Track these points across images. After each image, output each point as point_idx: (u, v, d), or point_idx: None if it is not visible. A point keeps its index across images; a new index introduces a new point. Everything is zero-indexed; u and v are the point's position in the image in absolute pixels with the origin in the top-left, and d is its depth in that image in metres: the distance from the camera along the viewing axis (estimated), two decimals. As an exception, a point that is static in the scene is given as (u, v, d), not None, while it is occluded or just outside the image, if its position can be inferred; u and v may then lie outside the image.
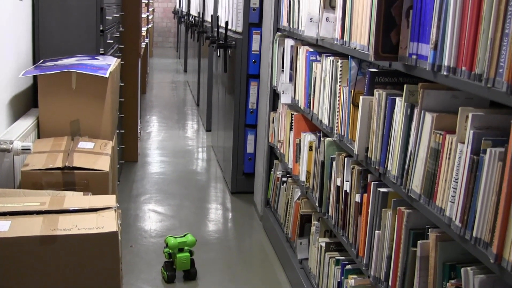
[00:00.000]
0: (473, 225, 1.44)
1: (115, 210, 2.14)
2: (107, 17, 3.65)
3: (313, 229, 2.92)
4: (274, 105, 3.87)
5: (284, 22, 3.49)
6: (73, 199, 2.24)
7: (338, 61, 2.45)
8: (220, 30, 4.88)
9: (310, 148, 2.94)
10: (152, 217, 4.18)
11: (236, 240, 3.90)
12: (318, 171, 2.76)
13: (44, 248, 1.90)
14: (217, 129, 5.71)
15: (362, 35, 2.18)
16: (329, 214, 2.62)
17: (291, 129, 3.28)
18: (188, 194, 4.72)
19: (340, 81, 2.44)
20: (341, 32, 2.42)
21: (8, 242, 1.88)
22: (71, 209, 2.10)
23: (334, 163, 2.54)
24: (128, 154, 5.36)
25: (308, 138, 2.97)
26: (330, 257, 2.64)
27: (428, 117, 1.69)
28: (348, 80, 2.32)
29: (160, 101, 8.94)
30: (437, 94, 1.73)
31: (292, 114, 3.26)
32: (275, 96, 3.85)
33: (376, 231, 2.07)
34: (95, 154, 2.76)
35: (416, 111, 1.77)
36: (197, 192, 4.78)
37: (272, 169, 3.91)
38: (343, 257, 2.59)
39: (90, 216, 2.07)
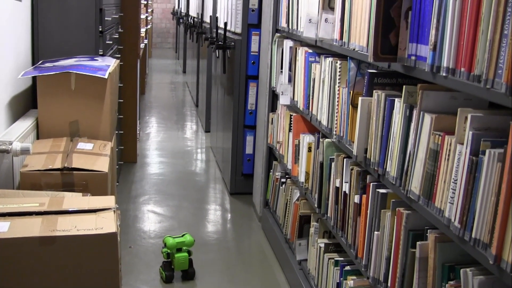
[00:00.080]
0: (472, 226, 1.44)
1: (114, 211, 2.14)
2: (106, 18, 3.65)
3: (312, 230, 2.92)
4: (273, 106, 3.88)
5: (283, 23, 3.50)
6: (72, 200, 2.24)
7: (337, 62, 2.45)
8: (219, 31, 4.88)
9: (309, 149, 2.94)
10: (151, 218, 4.18)
11: (235, 241, 3.90)
12: (317, 172, 2.76)
13: (43, 248, 1.90)
14: (216, 130, 5.71)
15: (361, 36, 2.18)
16: (328, 215, 2.62)
17: (290, 130, 3.28)
18: (187, 195, 4.72)
19: (339, 82, 2.44)
20: (340, 33, 2.42)
21: (7, 242, 1.88)
22: (70, 210, 2.10)
23: (333, 164, 2.55)
24: (127, 155, 5.36)
25: (307, 139, 2.97)
26: (329, 258, 2.64)
27: (427, 118, 1.69)
28: (347, 81, 2.33)
29: (159, 102, 8.94)
30: (436, 95, 1.73)
31: (291, 115, 3.26)
32: (274, 97, 3.85)
33: (375, 232, 2.07)
34: (94, 155, 2.76)
35: (415, 112, 1.77)
36: (196, 193, 4.78)
37: (271, 170, 3.91)
38: (342, 258, 2.59)
39: (89, 217, 2.07)
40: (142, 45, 7.39)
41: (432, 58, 1.61)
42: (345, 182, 2.39)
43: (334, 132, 2.50)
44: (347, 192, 2.38)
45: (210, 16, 5.95)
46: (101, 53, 3.57)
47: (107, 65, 3.19)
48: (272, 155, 3.94)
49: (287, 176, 3.53)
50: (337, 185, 2.49)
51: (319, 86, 2.71)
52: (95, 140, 2.97)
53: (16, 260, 1.89)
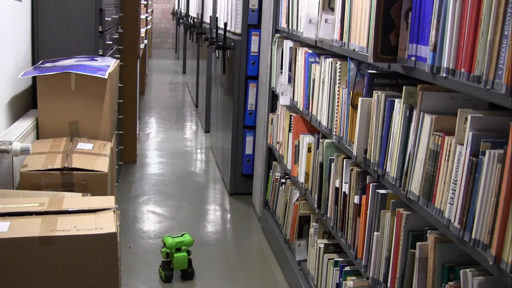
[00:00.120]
0: (472, 226, 1.45)
1: (114, 211, 2.14)
2: (106, 18, 3.65)
3: (311, 230, 2.92)
4: (273, 106, 3.88)
5: (283, 24, 3.50)
6: (72, 200, 2.23)
7: (337, 63, 2.45)
8: (219, 31, 4.89)
9: (309, 150, 2.94)
10: (151, 218, 4.18)
11: (235, 241, 3.90)
12: (317, 172, 2.76)
13: (43, 249, 1.90)
14: (215, 130, 5.71)
15: (361, 37, 2.18)
16: (328, 215, 2.62)
17: (290, 130, 3.28)
18: (187, 195, 4.72)
19: (339, 83, 2.44)
20: (340, 33, 2.42)
21: (7, 242, 1.88)
22: (70, 210, 2.10)
23: (333, 164, 2.55)
24: (127, 155, 5.36)
25: (307, 139, 2.97)
26: (329, 259, 2.64)
27: (427, 119, 1.69)
28: (347, 82, 2.33)
29: (158, 102, 8.94)
30: (436, 95, 1.73)
31: (291, 116, 3.26)
32: (274, 97, 3.85)
33: (375, 233, 2.07)
34: (94, 155, 2.76)
35: (415, 113, 1.77)
36: (196, 193, 4.78)
37: (271, 171, 3.91)
38: (341, 259, 2.59)
39: (89, 217, 2.07)
40: (142, 46, 7.39)
41: (432, 58, 1.62)
42: (345, 183, 2.39)
43: (334, 133, 2.50)
44: (346, 192, 2.38)
45: (210, 16, 5.95)
46: (101, 53, 3.57)
47: (107, 65, 3.19)
48: (271, 156, 3.94)
49: (286, 176, 3.53)
50: (337, 185, 2.49)
51: (319, 87, 2.71)
52: (95, 140, 2.97)
53: (16, 260, 1.89)
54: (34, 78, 3.34)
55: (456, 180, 1.52)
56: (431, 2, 1.63)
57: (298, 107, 3.13)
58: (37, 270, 1.92)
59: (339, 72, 2.43)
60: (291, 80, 3.28)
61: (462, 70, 1.47)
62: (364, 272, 2.20)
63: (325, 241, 2.79)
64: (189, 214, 4.31)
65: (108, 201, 2.23)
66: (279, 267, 3.47)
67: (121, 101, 4.74)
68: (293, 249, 3.22)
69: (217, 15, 5.48)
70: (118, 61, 3.74)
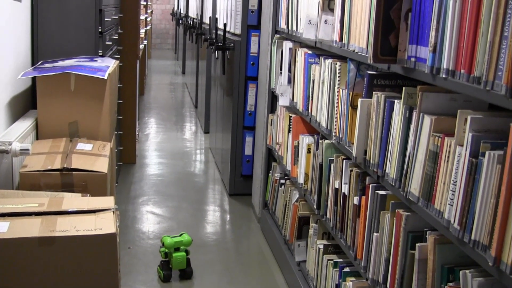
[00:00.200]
0: (472, 228, 1.45)
1: (113, 211, 2.14)
2: (105, 19, 3.65)
3: (311, 231, 2.92)
4: (272, 107, 3.88)
5: (282, 25, 3.50)
6: (72, 200, 2.23)
7: (336, 64, 2.45)
8: (219, 32, 4.89)
9: (309, 151, 2.94)
10: (150, 219, 4.18)
11: (234, 242, 3.90)
12: (316, 173, 2.76)
13: (42, 249, 1.90)
14: (215, 131, 5.71)
15: (360, 38, 2.18)
16: (327, 216, 2.62)
17: (289, 131, 3.28)
18: (186, 196, 4.72)
19: (338, 84, 2.44)
20: (339, 34, 2.42)
21: (6, 243, 1.88)
22: (69, 210, 2.10)
23: (332, 165, 2.55)
24: (126, 155, 5.36)
25: (306, 140, 2.97)
26: (328, 260, 2.64)
27: (427, 120, 1.69)
28: (347, 83, 2.33)
29: (158, 103, 8.94)
30: (436, 96, 1.73)
31: (290, 116, 3.26)
32: (273, 98, 3.86)
33: (375, 234, 2.07)
34: (94, 156, 2.76)
35: (414, 114, 1.77)
36: (195, 194, 4.78)
37: (270, 171, 3.91)
38: (341, 260, 2.59)
39: (89, 218, 2.06)
40: (141, 46, 7.39)
41: (432, 59, 1.62)
42: (345, 184, 2.39)
43: (333, 134, 2.50)
44: (346, 193, 2.38)
45: (210, 17, 5.95)
46: (101, 53, 3.57)
47: (107, 65, 3.19)
48: (271, 156, 3.94)
49: (286, 177, 3.53)
50: (336, 186, 2.49)
51: (319, 87, 2.71)
52: (95, 140, 2.97)
53: (16, 261, 1.89)
54: (33, 78, 3.34)
55: (456, 181, 1.53)
56: (431, 3, 1.63)
57: (297, 107, 3.13)
58: (36, 271, 1.92)
59: (339, 73, 2.43)
60: (290, 80, 3.28)
61: (462, 71, 1.47)
62: (363, 273, 2.20)
63: (325, 242, 2.79)
64: (188, 215, 4.31)
65: (108, 201, 2.23)
66: (279, 268, 3.47)
67: (121, 101, 4.74)
68: (293, 250, 3.22)
69: (217, 16, 5.48)
70: (117, 61, 3.73)
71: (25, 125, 2.89)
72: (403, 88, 1.83)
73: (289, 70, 3.31)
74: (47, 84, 2.98)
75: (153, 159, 5.77)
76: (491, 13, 1.34)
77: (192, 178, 5.22)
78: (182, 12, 10.72)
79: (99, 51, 3.56)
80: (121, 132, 5.04)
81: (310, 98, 2.87)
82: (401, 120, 1.85)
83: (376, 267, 2.07)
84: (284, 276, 3.36)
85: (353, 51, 2.25)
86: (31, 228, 1.94)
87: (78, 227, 1.98)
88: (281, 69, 3.51)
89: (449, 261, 1.67)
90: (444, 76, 1.56)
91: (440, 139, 1.63)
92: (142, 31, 8.42)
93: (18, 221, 1.98)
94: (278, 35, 3.64)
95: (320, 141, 2.71)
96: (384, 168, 1.98)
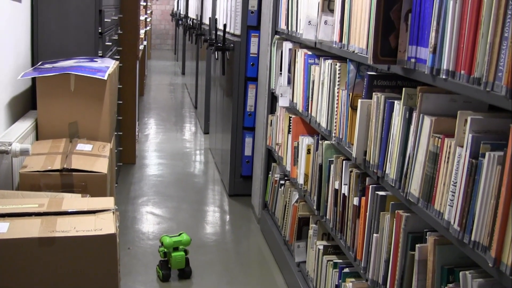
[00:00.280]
0: (472, 228, 1.45)
1: (113, 212, 2.13)
2: (105, 20, 3.65)
3: (311, 232, 2.92)
4: (272, 107, 3.88)
5: (282, 25, 3.50)
6: (71, 201, 2.23)
7: (336, 64, 2.45)
8: (218, 32, 4.89)
9: (308, 151, 2.94)
10: (150, 219, 4.18)
11: (234, 242, 3.90)
12: (316, 174, 2.76)
13: (42, 249, 1.90)
14: (215, 132, 5.71)
15: (360, 38, 2.18)
16: (327, 217, 2.62)
17: (289, 132, 3.28)
18: (186, 196, 4.72)
19: (338, 84, 2.44)
20: (339, 35, 2.42)
21: (6, 243, 1.87)
22: (69, 211, 2.10)
23: (332, 166, 2.55)
24: (126, 156, 5.36)
25: (306, 141, 2.97)
26: (328, 260, 2.64)
27: (427, 121, 1.69)
28: (347, 83, 2.33)
29: (158, 104, 8.94)
30: (436, 97, 1.73)
31: (290, 117, 3.26)
32: (273, 99, 3.86)
33: (374, 235, 2.07)
34: (93, 156, 2.76)
35: (414, 115, 1.77)
36: (195, 195, 4.78)
37: (270, 172, 3.91)
38: (341, 261, 2.59)
39: (88, 218, 2.06)
40: (141, 47, 7.39)
41: (432, 60, 1.62)
42: (344, 184, 2.39)
43: (333, 134, 2.50)
44: (346, 194, 2.38)
45: (210, 17, 5.95)
46: (101, 54, 3.57)
47: (107, 66, 3.19)
48: (271, 157, 3.94)
49: (286, 178, 3.53)
50: (336, 187, 2.49)
51: (319, 88, 2.71)
52: (94, 141, 2.97)
53: (15, 261, 1.89)
54: (33, 79, 3.34)
55: (456, 182, 1.53)
56: (431, 3, 1.63)
57: (297, 108, 3.13)
58: (36, 271, 1.92)
59: (339, 73, 2.43)
60: (290, 81, 3.28)
61: (462, 72, 1.47)
62: (363, 274, 2.20)
63: (324, 242, 2.79)
64: (188, 215, 4.31)
65: (108, 202, 2.23)
66: (278, 269, 3.47)
67: (121, 102, 4.73)
68: (292, 251, 3.22)
69: (217, 17, 5.48)
70: (117, 62, 3.73)
71: (25, 125, 2.89)
72: (403, 89, 1.83)
73: (289, 71, 3.31)
74: (47, 85, 2.98)
75: (152, 159, 5.77)
76: (491, 14, 1.34)
77: (192, 179, 5.22)
78: (181, 12, 10.73)
79: (99, 52, 3.56)
80: (121, 133, 5.04)
81: (310, 99, 2.87)
82: (401, 121, 1.85)
83: (376, 268, 2.07)
84: (283, 276, 3.36)
85: (353, 51, 2.25)
86: (31, 229, 1.94)
87: (78, 228, 1.98)
88: (281, 70, 3.51)
89: (449, 262, 1.67)
90: (444, 77, 1.56)
91: (440, 140, 1.63)
92: (142, 31, 8.42)
93: (18, 222, 1.98)
94: (278, 36, 3.64)
95: (320, 141, 2.71)
96: (384, 169, 1.98)
